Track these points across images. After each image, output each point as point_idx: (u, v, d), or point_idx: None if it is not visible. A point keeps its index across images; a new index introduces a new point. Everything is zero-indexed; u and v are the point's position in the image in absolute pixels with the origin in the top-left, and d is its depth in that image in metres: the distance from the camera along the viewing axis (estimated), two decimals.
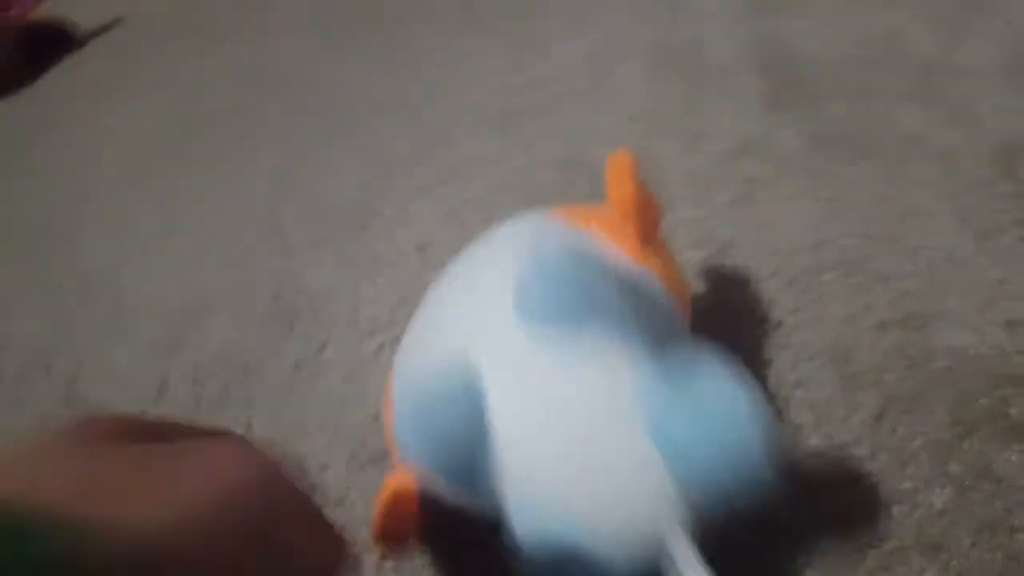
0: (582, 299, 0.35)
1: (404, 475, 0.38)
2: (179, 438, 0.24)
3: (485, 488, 0.33)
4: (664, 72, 0.75)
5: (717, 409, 0.30)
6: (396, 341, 0.57)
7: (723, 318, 0.53)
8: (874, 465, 0.40)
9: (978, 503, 0.44)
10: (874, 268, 0.56)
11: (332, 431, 0.54)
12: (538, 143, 0.71)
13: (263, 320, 0.62)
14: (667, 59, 0.76)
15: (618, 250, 0.40)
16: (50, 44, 1.45)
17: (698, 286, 0.56)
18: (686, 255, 0.58)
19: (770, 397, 0.49)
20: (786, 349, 0.51)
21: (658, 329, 0.38)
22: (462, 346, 0.36)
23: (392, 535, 0.38)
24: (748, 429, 0.30)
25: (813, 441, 0.46)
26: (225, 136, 0.81)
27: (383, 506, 0.37)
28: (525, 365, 0.34)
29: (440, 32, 0.86)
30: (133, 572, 0.19)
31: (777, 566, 0.41)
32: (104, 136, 0.83)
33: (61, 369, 0.61)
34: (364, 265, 0.64)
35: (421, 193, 0.69)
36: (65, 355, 0.62)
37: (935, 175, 0.61)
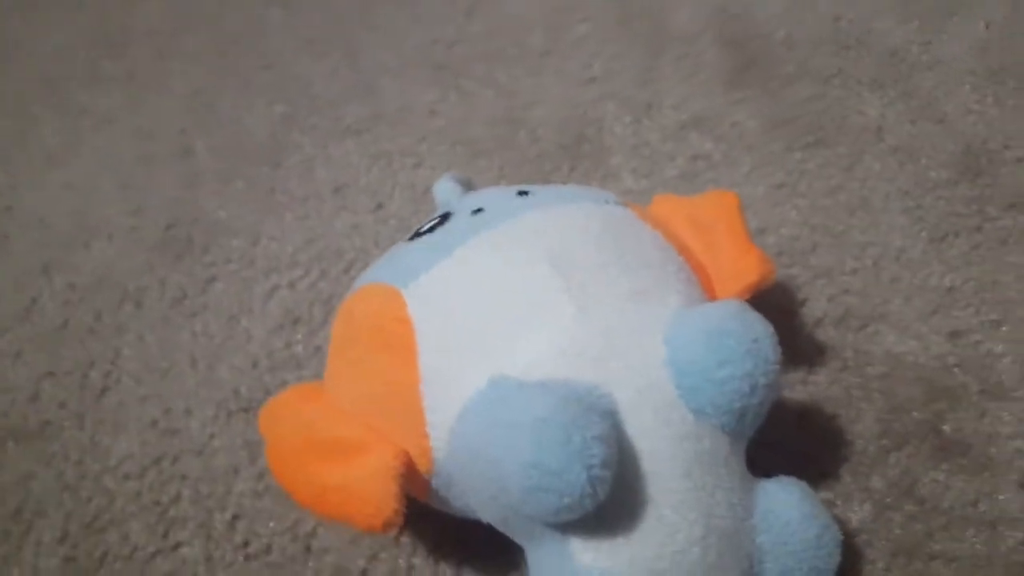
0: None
1: (381, 449, 0.32)
2: None
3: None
4: (624, 36, 0.70)
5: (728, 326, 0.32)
6: (293, 284, 0.52)
7: None
8: (791, 471, 0.35)
9: (897, 524, 0.40)
10: (816, 261, 0.52)
11: (204, 374, 0.48)
12: (479, 96, 0.66)
13: (151, 248, 0.56)
14: (630, 23, 0.71)
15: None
16: None
17: None
18: None
19: None
20: None
21: None
22: (592, 376, 0.32)
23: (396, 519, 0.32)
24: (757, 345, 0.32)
25: None
26: (145, 57, 0.74)
27: (396, 479, 0.31)
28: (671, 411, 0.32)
29: None
30: None
31: None
32: (11, 49, 0.76)
33: None
34: (273, 201, 0.58)
35: (347, 134, 0.64)
36: None
37: (892, 171, 0.57)
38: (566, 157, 0.60)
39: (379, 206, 0.57)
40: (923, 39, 0.66)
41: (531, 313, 0.32)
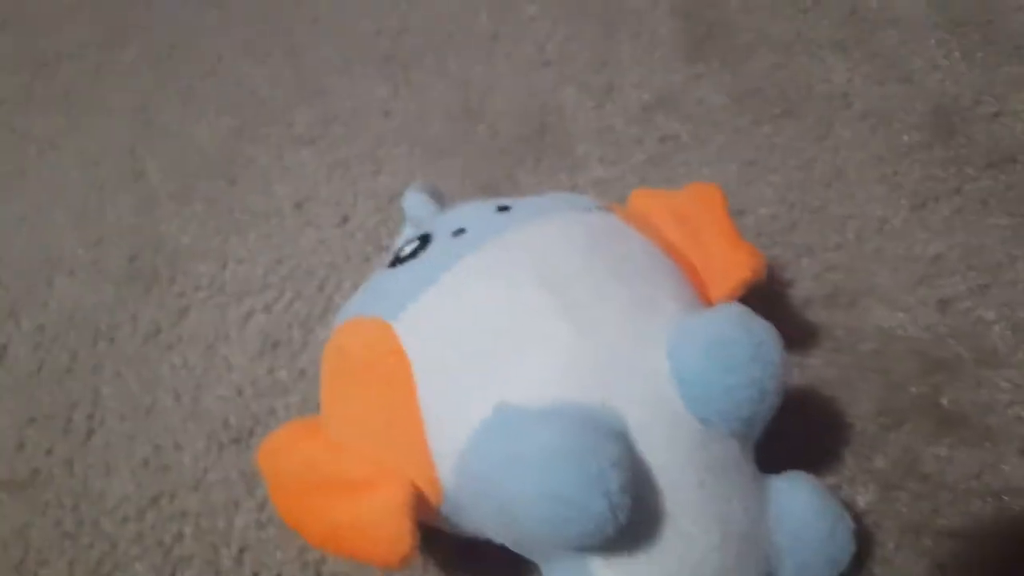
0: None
1: (390, 484, 0.31)
2: None
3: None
4: (575, 15, 0.68)
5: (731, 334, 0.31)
6: (268, 308, 0.50)
7: None
8: (793, 458, 0.35)
9: (903, 503, 0.40)
10: (797, 239, 0.51)
11: (190, 407, 0.46)
12: (432, 90, 0.64)
13: (117, 281, 0.53)
14: (579, 0, 0.69)
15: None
16: None
17: None
18: None
19: None
20: None
21: None
22: (598, 396, 0.31)
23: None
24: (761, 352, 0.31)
25: None
26: (79, 75, 0.71)
27: (408, 515, 0.30)
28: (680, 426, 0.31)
29: None
30: None
31: None
32: None
33: None
34: (234, 221, 0.56)
35: (300, 143, 0.61)
36: None
37: (865, 137, 0.56)
38: (530, 149, 0.58)
39: (344, 219, 0.55)
40: None
41: (527, 337, 0.31)
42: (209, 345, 0.49)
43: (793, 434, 0.41)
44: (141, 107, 0.66)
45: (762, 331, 0.31)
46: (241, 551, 0.41)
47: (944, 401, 0.43)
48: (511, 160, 0.57)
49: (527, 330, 0.31)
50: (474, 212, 0.37)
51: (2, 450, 0.46)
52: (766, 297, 0.42)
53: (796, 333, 0.46)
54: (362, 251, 0.53)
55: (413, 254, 0.35)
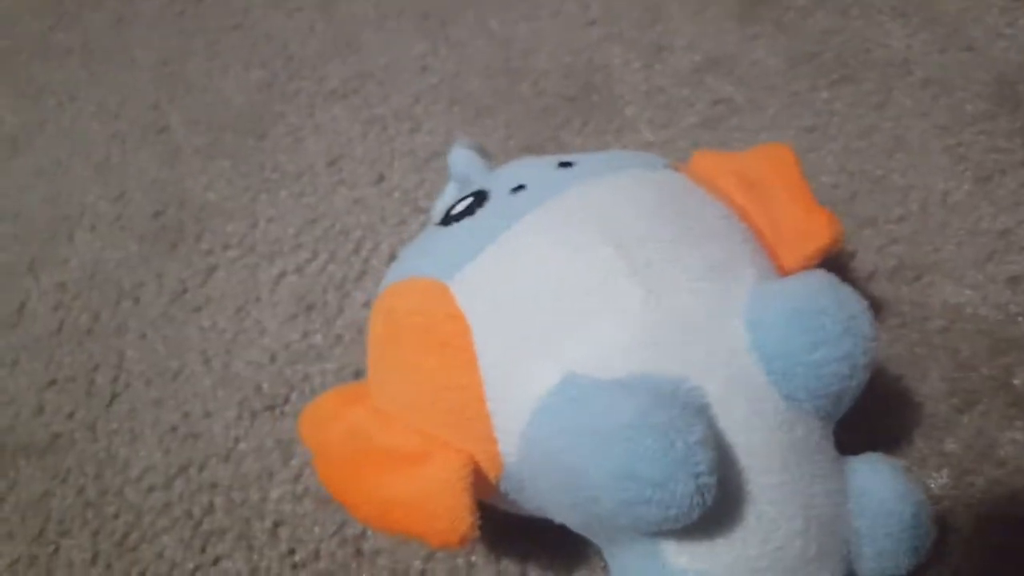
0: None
1: (447, 456, 0.29)
2: None
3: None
4: None
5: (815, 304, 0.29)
6: (301, 269, 0.48)
7: None
8: (861, 439, 0.33)
9: (979, 488, 0.37)
10: (859, 210, 0.48)
11: (219, 372, 0.44)
12: (472, 47, 0.61)
13: (141, 237, 0.51)
14: None
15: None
16: None
17: None
18: None
19: None
20: None
21: None
22: (674, 367, 0.28)
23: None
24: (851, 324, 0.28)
25: None
26: (101, 26, 0.68)
27: (467, 489, 0.28)
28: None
29: None
30: None
31: None
32: None
33: None
34: (263, 178, 0.54)
35: (332, 99, 0.59)
36: None
37: (926, 106, 0.53)
38: (576, 110, 0.56)
39: (380, 178, 0.53)
40: None
41: (596, 301, 0.29)
42: (239, 307, 0.47)
43: (861, 413, 0.39)
44: (164, 60, 0.64)
45: (853, 301, 0.29)
46: (276, 525, 0.39)
47: (1016, 382, 0.40)
48: (556, 120, 0.55)
49: (596, 294, 0.29)
50: (534, 168, 0.35)
51: (21, 413, 0.44)
52: (829, 269, 0.40)
53: None
54: (399, 212, 0.51)
55: (469, 211, 0.33)
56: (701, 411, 0.27)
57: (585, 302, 0.29)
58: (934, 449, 0.39)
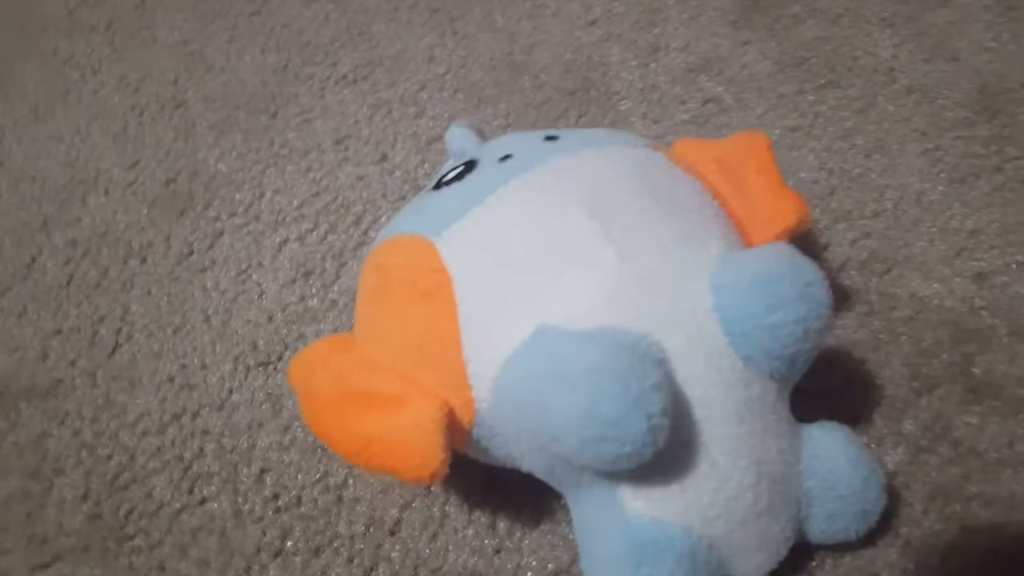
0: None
1: (423, 400, 0.31)
2: None
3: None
4: None
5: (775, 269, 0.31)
6: (302, 238, 0.50)
7: None
8: (822, 416, 0.35)
9: (933, 467, 0.39)
10: (836, 205, 0.51)
11: (219, 328, 0.47)
12: (478, 40, 0.64)
13: (152, 202, 0.54)
14: None
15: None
16: None
17: None
18: None
19: None
20: None
21: None
22: (639, 323, 0.30)
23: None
24: (807, 290, 0.31)
25: None
26: (125, 6, 0.71)
27: (440, 430, 0.30)
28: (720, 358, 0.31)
29: None
30: None
31: None
32: None
33: None
34: (273, 153, 0.56)
35: (343, 83, 0.61)
36: None
37: (908, 111, 0.56)
38: (573, 103, 0.58)
39: (383, 157, 0.55)
40: None
41: (571, 261, 0.31)
42: (241, 270, 0.49)
43: (823, 392, 0.41)
44: (185, 40, 0.67)
45: (810, 270, 0.31)
46: (262, 472, 0.41)
47: (976, 371, 0.43)
48: (554, 112, 0.57)
49: (571, 254, 0.31)
50: (522, 140, 0.37)
51: (25, 359, 0.47)
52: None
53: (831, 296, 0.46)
54: (399, 189, 0.53)
55: (459, 177, 0.35)
56: (659, 362, 0.29)
57: (560, 261, 0.31)
58: (892, 428, 0.41)
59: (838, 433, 0.34)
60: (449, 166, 0.44)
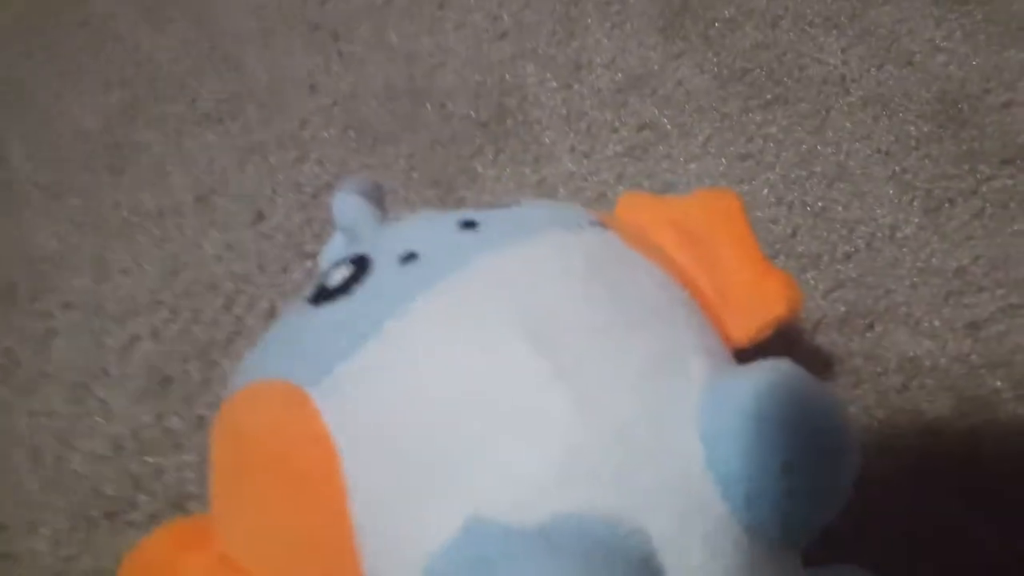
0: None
1: None
2: None
3: None
4: None
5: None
6: (157, 333, 0.40)
7: None
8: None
9: None
10: (802, 248, 0.43)
11: (51, 470, 0.36)
12: (370, 63, 0.54)
13: None
14: None
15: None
16: None
17: None
18: None
19: None
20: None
21: None
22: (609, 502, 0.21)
23: None
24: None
25: None
26: None
27: None
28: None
29: None
30: None
31: None
32: None
33: None
34: (119, 220, 0.46)
35: (205, 123, 0.51)
36: None
37: (867, 128, 0.49)
38: (488, 137, 0.49)
39: (258, 217, 0.45)
40: None
41: (509, 418, 0.22)
42: (79, 383, 0.38)
43: None
44: (6, 78, 0.55)
45: (832, 404, 0.23)
46: None
47: (984, 452, 0.36)
48: (467, 149, 0.48)
49: (508, 407, 0.22)
50: (429, 229, 0.28)
51: None
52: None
53: (809, 362, 0.38)
54: (280, 257, 0.43)
55: (345, 288, 0.26)
56: (645, 566, 0.20)
57: (495, 418, 0.22)
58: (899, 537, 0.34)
59: None
60: (336, 245, 0.35)
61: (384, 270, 0.26)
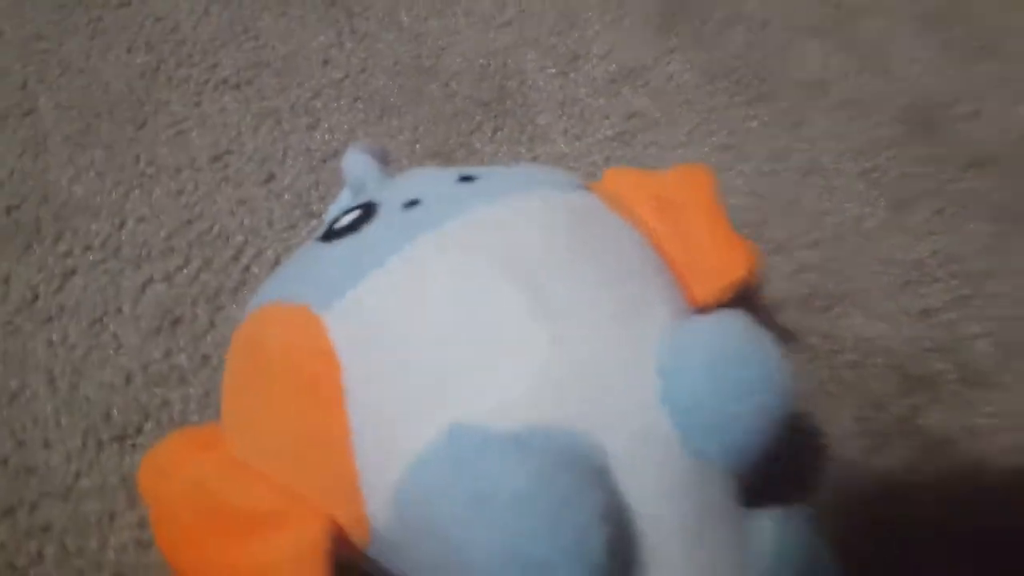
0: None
1: (302, 521, 0.24)
2: None
3: None
4: None
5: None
6: (170, 277, 0.43)
7: None
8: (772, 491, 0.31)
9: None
10: (771, 235, 0.47)
11: (65, 394, 0.39)
12: (381, 40, 0.57)
13: None
14: None
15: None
16: None
17: None
18: None
19: None
20: None
21: None
22: (576, 421, 0.24)
23: None
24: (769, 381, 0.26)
25: None
26: None
27: (321, 561, 0.24)
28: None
29: None
30: None
31: None
32: None
33: None
34: (138, 172, 0.48)
35: (224, 87, 0.54)
36: None
37: (842, 128, 0.52)
38: (488, 115, 0.52)
39: (270, 177, 0.48)
40: None
41: (493, 343, 0.25)
42: (95, 319, 0.41)
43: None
44: (37, 35, 0.58)
45: (774, 350, 0.26)
46: None
47: (922, 423, 0.39)
48: (467, 125, 0.51)
49: (493, 335, 0.25)
50: (432, 181, 0.31)
51: None
52: (737, 300, 0.38)
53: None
54: (288, 215, 0.46)
55: (353, 226, 0.29)
56: (601, 474, 0.24)
57: (481, 344, 0.25)
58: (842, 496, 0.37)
59: (793, 525, 0.29)
60: (343, 202, 0.38)
61: (389, 213, 0.29)
